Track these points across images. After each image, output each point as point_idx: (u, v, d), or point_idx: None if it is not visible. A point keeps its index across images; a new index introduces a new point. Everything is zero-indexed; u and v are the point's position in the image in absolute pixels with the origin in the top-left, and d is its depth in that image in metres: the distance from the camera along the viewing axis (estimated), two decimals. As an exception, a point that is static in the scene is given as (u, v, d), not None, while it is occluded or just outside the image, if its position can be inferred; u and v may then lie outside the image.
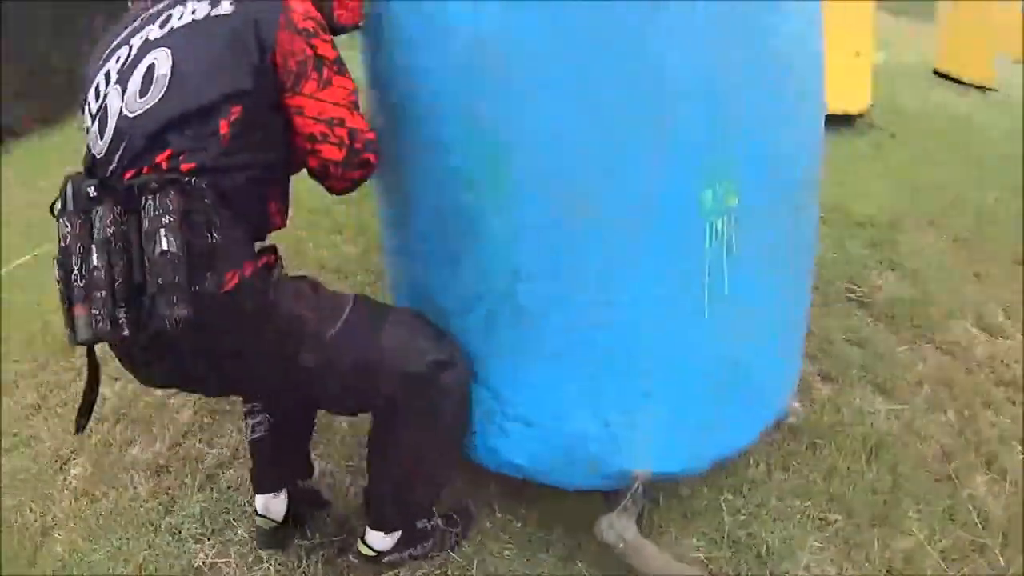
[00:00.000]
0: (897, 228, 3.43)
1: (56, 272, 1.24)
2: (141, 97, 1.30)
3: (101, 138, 1.34)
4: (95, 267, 1.19)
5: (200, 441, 2.54)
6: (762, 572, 1.89)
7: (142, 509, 2.38)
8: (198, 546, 2.19)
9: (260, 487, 1.98)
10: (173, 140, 1.28)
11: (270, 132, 1.36)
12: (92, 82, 1.41)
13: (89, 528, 2.38)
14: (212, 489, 2.38)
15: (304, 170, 1.50)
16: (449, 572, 1.95)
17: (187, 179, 1.25)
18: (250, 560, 2.11)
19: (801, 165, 1.75)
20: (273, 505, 1.97)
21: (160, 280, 1.18)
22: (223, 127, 1.28)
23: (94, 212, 1.22)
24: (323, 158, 1.40)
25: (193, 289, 1.22)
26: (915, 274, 3.03)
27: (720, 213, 1.56)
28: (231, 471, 2.43)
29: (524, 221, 1.59)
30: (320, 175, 1.46)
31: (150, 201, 1.20)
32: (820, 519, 2.01)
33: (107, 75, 1.38)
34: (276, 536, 2.02)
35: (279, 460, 1.97)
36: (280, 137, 1.38)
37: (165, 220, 1.19)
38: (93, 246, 1.20)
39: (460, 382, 1.67)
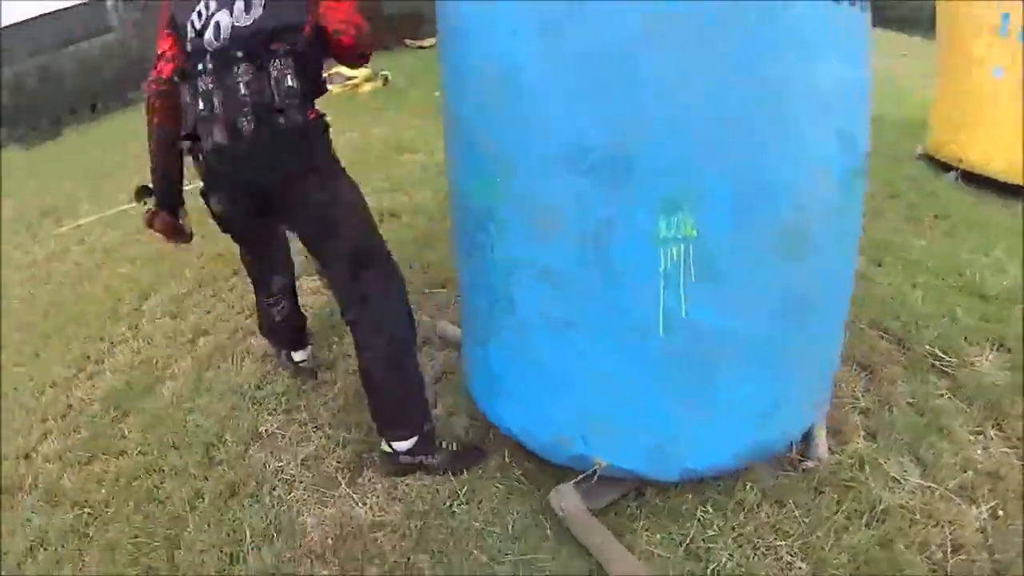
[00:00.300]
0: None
1: (197, 107, 2.07)
2: (246, 14, 2.05)
3: (217, 39, 2.06)
4: (243, 95, 2.03)
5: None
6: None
7: (239, 380, 2.98)
8: (270, 417, 2.77)
9: (297, 345, 2.97)
10: (276, 38, 2.04)
11: (319, 32, 2.07)
12: (193, 9, 2.10)
13: (197, 384, 3.03)
14: (297, 379, 2.93)
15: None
16: (439, 489, 2.33)
17: (291, 54, 2.05)
18: (300, 437, 2.64)
19: (791, 211, 1.75)
20: (304, 354, 2.96)
21: (287, 101, 2.05)
22: (306, 30, 2.07)
23: (235, 67, 2.03)
24: (342, 43, 2.09)
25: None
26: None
27: (676, 242, 1.69)
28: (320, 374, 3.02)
29: (512, 233, 1.91)
30: (340, 55, 2.15)
31: (276, 62, 2.03)
32: (786, 563, 2.00)
33: (207, 4, 2.09)
34: (311, 371, 2.96)
35: (302, 325, 2.97)
36: (320, 35, 2.09)
37: (287, 71, 2.04)
38: (240, 84, 2.03)
39: (400, 279, 2.33)
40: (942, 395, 2.62)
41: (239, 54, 2.04)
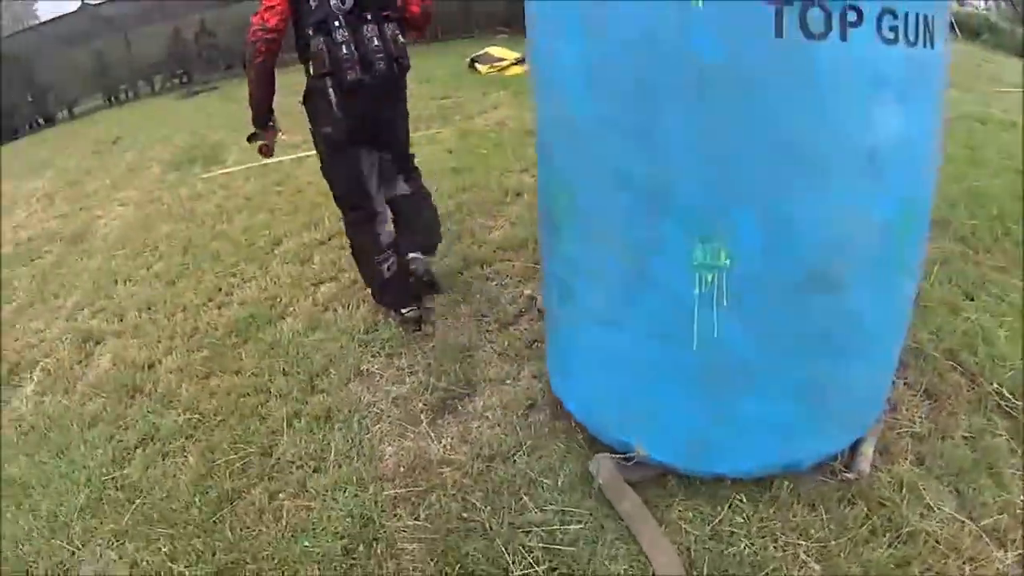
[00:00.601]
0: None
1: (341, 51, 2.88)
2: None
3: (343, 3, 2.89)
4: (377, 47, 2.94)
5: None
6: (702, 565, 2.12)
7: (351, 324, 3.46)
8: (372, 359, 3.22)
9: (406, 301, 3.43)
10: (385, 6, 2.99)
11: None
12: None
13: (313, 323, 3.52)
14: (402, 328, 3.40)
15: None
16: (507, 438, 2.66)
17: (395, 19, 3.04)
18: (396, 379, 3.08)
19: (820, 252, 1.87)
20: (414, 313, 3.43)
21: (400, 52, 3.03)
22: (398, 3, 3.06)
23: (364, 26, 2.93)
24: (412, 11, 3.14)
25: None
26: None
27: (710, 268, 1.88)
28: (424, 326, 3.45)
29: (575, 237, 2.23)
30: (411, 21, 3.17)
31: (388, 24, 2.99)
32: (801, 562, 2.12)
33: None
34: (415, 320, 3.43)
35: (407, 285, 3.46)
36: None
37: (396, 32, 3.02)
38: (369, 39, 2.93)
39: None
40: (1000, 435, 2.64)
41: (367, 15, 2.94)
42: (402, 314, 3.42)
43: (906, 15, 1.72)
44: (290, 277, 4.16)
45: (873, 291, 2.03)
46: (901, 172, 1.88)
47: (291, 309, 3.79)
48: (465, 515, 2.36)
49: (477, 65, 10.22)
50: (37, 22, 24.34)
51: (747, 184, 1.80)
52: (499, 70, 9.85)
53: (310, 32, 2.89)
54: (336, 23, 2.88)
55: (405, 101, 3.28)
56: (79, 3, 17.14)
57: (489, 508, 2.37)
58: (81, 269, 5.15)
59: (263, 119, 3.19)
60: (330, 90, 2.95)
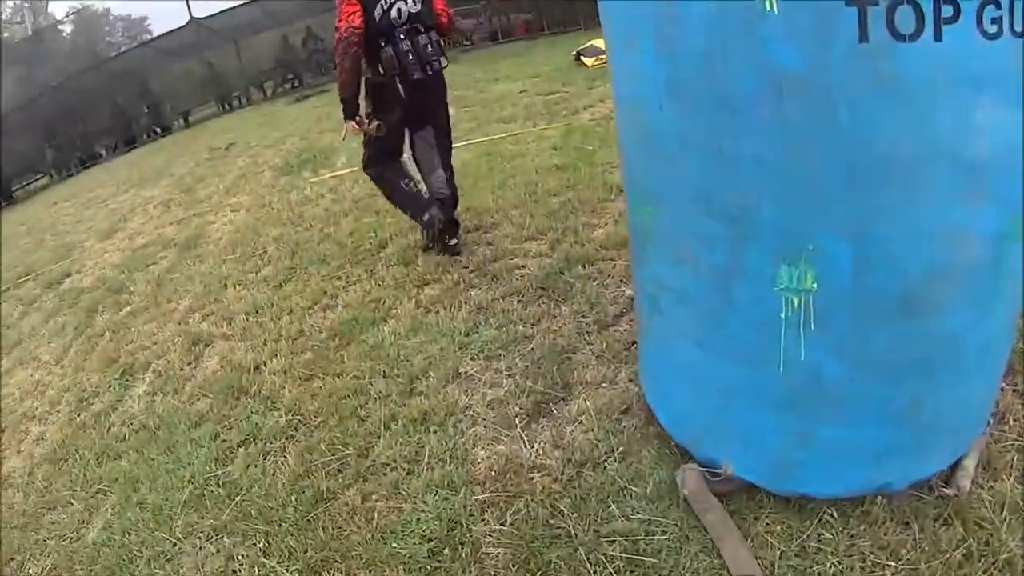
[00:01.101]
0: None
1: (408, 57, 3.96)
2: (414, 5, 3.98)
3: (400, 18, 3.93)
4: (431, 52, 4.04)
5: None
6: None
7: (452, 325, 3.59)
8: (471, 361, 3.33)
9: (447, 213, 4.44)
10: (427, 20, 4.07)
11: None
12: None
13: (415, 325, 3.70)
14: (502, 328, 3.51)
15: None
16: (599, 444, 2.70)
17: (434, 29, 4.14)
18: (493, 382, 3.17)
19: (914, 275, 1.77)
20: (456, 238, 4.56)
21: (441, 56, 4.13)
22: (432, 18, 4.13)
23: (418, 36, 4.01)
24: (442, 22, 4.21)
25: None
26: None
27: (796, 292, 1.83)
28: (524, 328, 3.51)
29: (661, 256, 2.23)
30: (441, 29, 4.20)
31: (431, 33, 4.08)
32: None
33: None
34: (455, 248, 4.54)
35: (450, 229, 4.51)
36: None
37: (436, 40, 4.12)
38: (424, 46, 4.02)
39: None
40: None
41: (419, 28, 4.00)
42: (448, 246, 4.52)
43: (1011, 3, 1.50)
44: (394, 279, 4.32)
45: (975, 312, 1.91)
46: (1006, 183, 1.71)
47: (394, 311, 3.94)
48: (552, 521, 2.40)
49: (583, 58, 10.26)
50: (150, 37, 26.10)
51: (833, 203, 1.70)
52: (605, 62, 9.80)
53: (381, 43, 3.93)
54: (400, 35, 3.95)
55: (446, 89, 4.35)
56: (188, 17, 18.25)
57: (576, 515, 2.40)
58: (193, 274, 5.53)
59: (355, 105, 4.08)
60: (399, 85, 4.03)
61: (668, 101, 1.87)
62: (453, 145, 4.56)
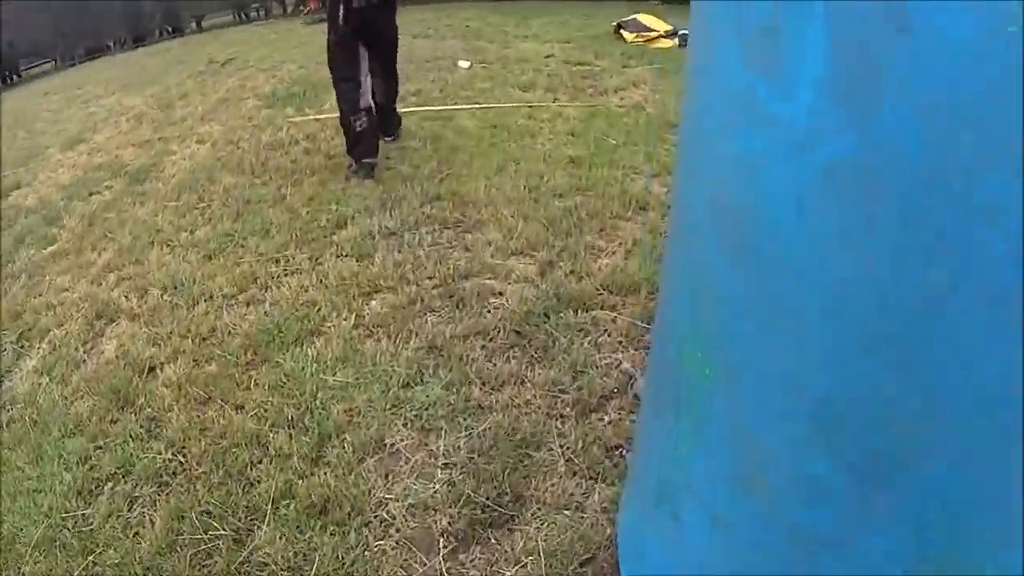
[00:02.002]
0: None
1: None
2: None
3: None
4: None
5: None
6: None
7: (392, 365, 2.78)
8: (404, 428, 2.55)
9: (371, 154, 4.85)
10: None
11: None
12: None
13: (344, 351, 2.86)
14: (452, 387, 2.69)
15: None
16: None
17: None
18: (423, 470, 2.38)
19: None
20: (371, 160, 4.86)
21: None
22: None
23: None
24: None
25: None
26: None
27: None
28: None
29: None
30: None
31: None
32: None
33: None
34: (371, 167, 4.82)
35: (375, 136, 4.91)
36: None
37: None
38: None
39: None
40: None
41: None
42: (362, 163, 4.80)
43: None
44: (339, 278, 3.47)
45: None
46: None
47: (327, 326, 3.11)
48: None
49: (623, 31, 9.16)
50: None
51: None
52: (646, 40, 8.77)
53: None
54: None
55: (394, 18, 4.98)
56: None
57: None
58: (127, 218, 4.78)
59: None
60: (341, 7, 4.43)
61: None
62: (399, 65, 5.29)
